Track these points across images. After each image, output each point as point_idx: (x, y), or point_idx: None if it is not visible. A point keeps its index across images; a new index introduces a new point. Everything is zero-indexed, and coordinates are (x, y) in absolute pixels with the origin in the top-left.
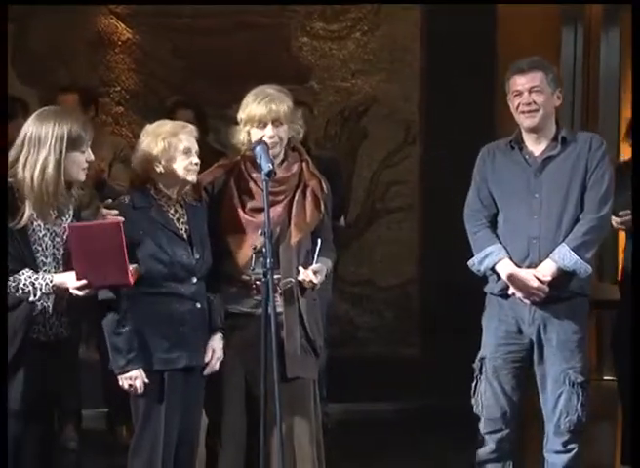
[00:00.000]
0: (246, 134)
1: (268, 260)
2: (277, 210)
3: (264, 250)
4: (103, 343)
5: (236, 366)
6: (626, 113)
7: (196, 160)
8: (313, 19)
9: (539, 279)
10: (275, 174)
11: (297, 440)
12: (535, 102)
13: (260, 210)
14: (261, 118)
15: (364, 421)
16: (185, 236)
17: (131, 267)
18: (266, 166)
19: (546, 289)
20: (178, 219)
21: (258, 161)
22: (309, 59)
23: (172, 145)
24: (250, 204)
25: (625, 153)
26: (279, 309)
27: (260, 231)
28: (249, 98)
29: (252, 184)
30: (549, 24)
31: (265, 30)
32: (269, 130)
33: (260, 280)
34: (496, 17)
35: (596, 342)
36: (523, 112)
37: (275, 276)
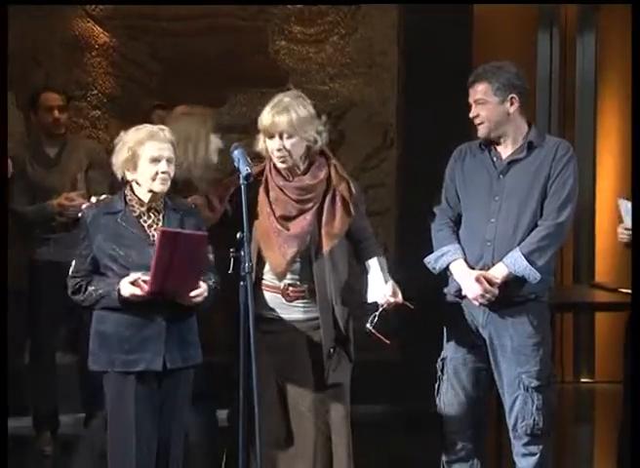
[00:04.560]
0: (263, 143)
1: (247, 265)
2: (307, 218)
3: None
4: (81, 347)
5: (270, 370)
6: (603, 116)
7: (164, 168)
8: (291, 23)
9: (489, 281)
10: (254, 178)
11: (334, 448)
12: (479, 115)
13: (290, 218)
14: (268, 130)
15: None
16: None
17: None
18: (244, 170)
19: (496, 292)
20: (150, 226)
21: (235, 165)
22: (287, 63)
23: (136, 154)
24: (279, 212)
25: (602, 156)
26: (314, 314)
27: (295, 241)
28: (265, 108)
29: (280, 193)
30: (526, 27)
31: (243, 34)
32: (275, 143)
33: (293, 286)
34: (472, 20)
35: (573, 345)
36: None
37: (300, 283)
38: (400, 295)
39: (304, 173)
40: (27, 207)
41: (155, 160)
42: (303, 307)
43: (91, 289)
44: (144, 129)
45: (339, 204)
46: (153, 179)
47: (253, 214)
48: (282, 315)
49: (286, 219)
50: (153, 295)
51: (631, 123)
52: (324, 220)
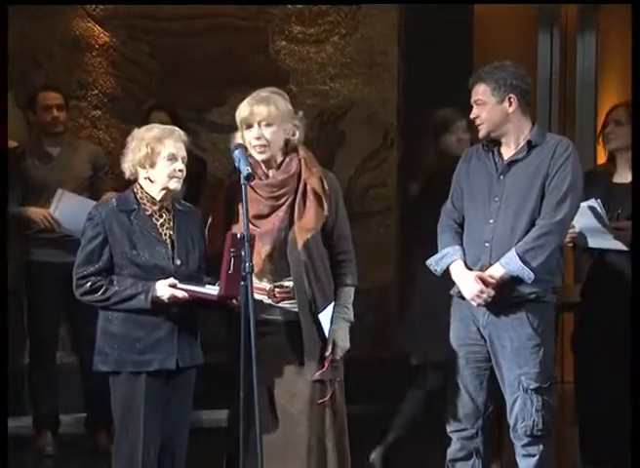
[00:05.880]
0: (241, 138)
1: (247, 264)
2: (279, 214)
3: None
4: (82, 347)
5: (258, 373)
6: (603, 116)
7: (180, 166)
8: (291, 23)
9: (484, 282)
10: (254, 177)
11: (326, 448)
12: (478, 116)
13: (262, 217)
14: (247, 119)
15: None
16: (168, 241)
17: None
18: (245, 170)
19: (492, 292)
20: (162, 225)
21: (236, 165)
22: (287, 63)
23: (155, 151)
24: (253, 212)
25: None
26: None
27: (268, 238)
28: (242, 102)
29: (252, 192)
30: (526, 27)
31: (243, 34)
32: (254, 131)
33: (279, 287)
34: (472, 20)
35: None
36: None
37: (287, 283)
38: (338, 355)
39: (279, 167)
40: (19, 207)
41: (173, 157)
42: (290, 308)
43: (115, 289)
44: (159, 127)
45: (310, 197)
46: (170, 177)
47: (233, 219)
48: (269, 316)
49: (259, 218)
50: (221, 299)
51: (631, 123)
52: (296, 215)
